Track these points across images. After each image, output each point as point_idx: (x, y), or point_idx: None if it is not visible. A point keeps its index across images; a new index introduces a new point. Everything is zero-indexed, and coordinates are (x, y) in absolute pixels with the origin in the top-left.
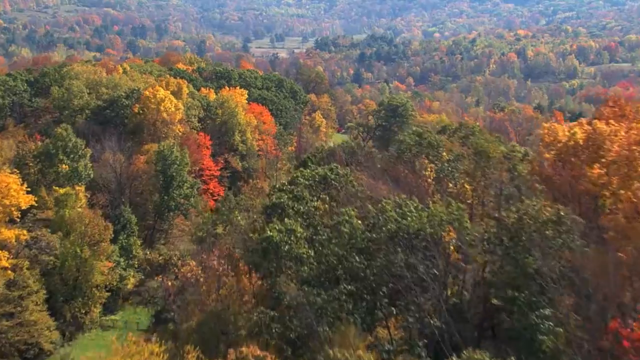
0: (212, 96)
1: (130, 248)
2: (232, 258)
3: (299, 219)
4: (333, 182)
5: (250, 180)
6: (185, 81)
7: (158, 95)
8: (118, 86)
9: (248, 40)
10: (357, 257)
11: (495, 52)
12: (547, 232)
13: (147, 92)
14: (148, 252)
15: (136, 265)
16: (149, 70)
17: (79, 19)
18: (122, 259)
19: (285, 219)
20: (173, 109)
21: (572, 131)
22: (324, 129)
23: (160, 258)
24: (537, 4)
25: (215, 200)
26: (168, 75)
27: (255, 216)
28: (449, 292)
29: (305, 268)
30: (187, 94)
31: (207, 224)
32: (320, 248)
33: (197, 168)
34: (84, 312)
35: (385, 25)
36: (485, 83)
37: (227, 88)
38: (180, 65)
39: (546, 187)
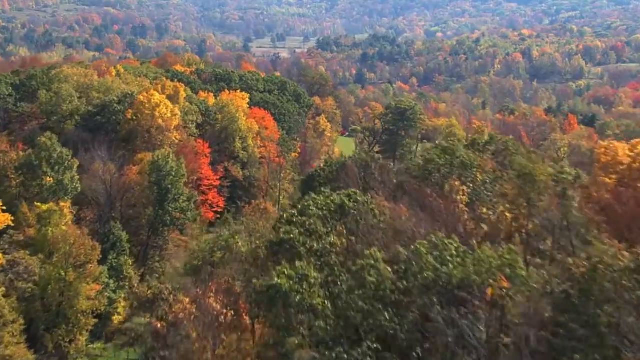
0: (212, 100)
1: (120, 268)
2: (232, 292)
3: (312, 258)
4: (352, 211)
5: (253, 201)
6: (183, 84)
7: (153, 100)
8: (110, 90)
9: (249, 40)
10: (386, 314)
11: (500, 52)
12: (624, 283)
13: (141, 97)
14: (136, 285)
15: (127, 287)
16: (144, 73)
17: (79, 18)
18: (111, 281)
19: (297, 261)
20: (169, 115)
21: (637, 151)
22: (329, 134)
23: (150, 292)
24: (540, 4)
25: (214, 212)
26: (164, 78)
27: (258, 242)
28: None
29: (321, 323)
30: (185, 98)
31: (204, 251)
32: (339, 299)
33: (195, 178)
34: (68, 340)
35: (387, 24)
36: (491, 84)
37: (228, 91)
38: (178, 67)
39: (605, 217)
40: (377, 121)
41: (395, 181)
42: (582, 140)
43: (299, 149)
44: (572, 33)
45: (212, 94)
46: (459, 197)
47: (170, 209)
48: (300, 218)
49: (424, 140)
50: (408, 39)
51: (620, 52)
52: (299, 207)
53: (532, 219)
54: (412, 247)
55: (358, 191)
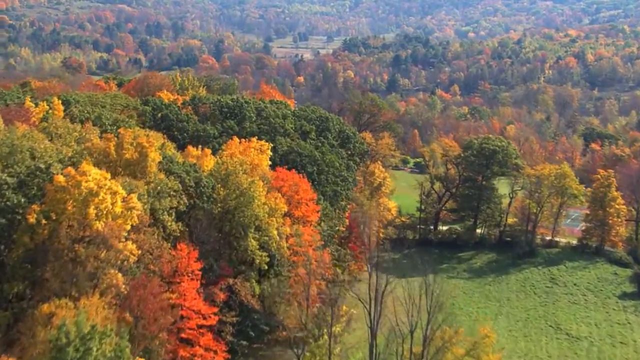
0: (208, 162)
1: None
2: None
3: None
4: None
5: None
6: (158, 137)
7: (85, 185)
8: (13, 155)
9: (269, 40)
10: None
11: (550, 55)
12: None
13: (59, 179)
14: None
15: None
16: (103, 104)
17: (91, 15)
18: None
19: None
20: (118, 211)
21: None
22: (386, 189)
23: None
24: (578, 2)
25: None
26: (124, 129)
27: None
28: None
29: None
30: (160, 163)
31: None
32: None
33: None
34: None
35: (414, 24)
36: (544, 93)
37: (238, 138)
38: (164, 95)
39: None
40: (450, 165)
41: None
42: None
43: (346, 224)
44: (625, 34)
45: (209, 151)
46: None
47: None
48: None
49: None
50: (442, 40)
51: None
52: None
53: None
54: None
55: None
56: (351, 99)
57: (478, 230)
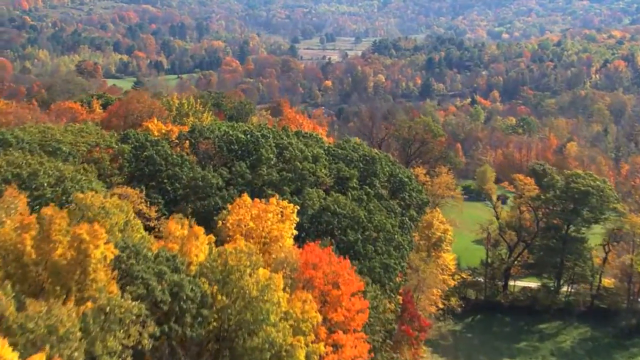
0: (200, 254)
1: None
2: None
3: None
4: None
5: None
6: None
7: None
8: None
9: (296, 41)
10: None
11: (596, 58)
12: None
13: None
14: None
15: None
16: (57, 145)
17: (114, 16)
18: None
19: None
20: None
21: None
22: (447, 246)
23: None
24: (617, 1)
25: None
26: (76, 193)
27: None
28: None
29: None
30: (115, 260)
31: None
32: None
33: None
34: None
35: (445, 24)
36: (592, 99)
37: (251, 194)
38: (153, 125)
39: None
40: (525, 208)
41: None
42: None
43: (400, 299)
44: None
45: (200, 230)
46: None
47: None
48: None
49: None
50: (477, 41)
51: None
52: None
53: None
54: None
55: None
56: (398, 123)
57: (562, 291)
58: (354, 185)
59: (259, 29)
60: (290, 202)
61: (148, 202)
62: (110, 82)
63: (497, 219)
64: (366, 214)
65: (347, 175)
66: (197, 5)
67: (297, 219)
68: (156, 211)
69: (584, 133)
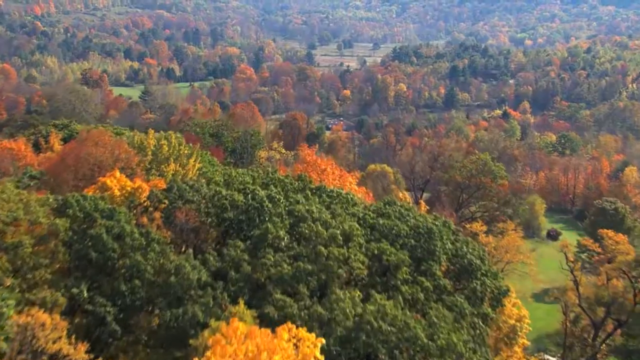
0: None
1: None
2: None
3: None
4: None
5: None
6: None
7: None
8: None
9: (312, 47)
10: None
11: (631, 66)
12: None
13: None
14: None
15: None
16: None
17: (128, 22)
18: None
19: None
20: None
21: None
22: (523, 337)
23: None
24: None
25: None
26: None
27: None
28: None
29: None
30: None
31: None
32: None
33: None
34: None
35: (465, 30)
36: (632, 110)
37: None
38: (113, 182)
39: None
40: (617, 282)
41: None
42: None
43: None
44: None
45: None
46: None
47: None
48: None
49: None
50: (501, 48)
51: None
52: None
53: None
54: None
55: None
56: (449, 162)
57: None
58: (404, 275)
59: (275, 35)
60: (309, 320)
61: (74, 338)
62: (117, 90)
63: (576, 285)
64: (426, 326)
65: (394, 261)
66: (213, 10)
67: (322, 342)
68: (90, 344)
69: (634, 151)
